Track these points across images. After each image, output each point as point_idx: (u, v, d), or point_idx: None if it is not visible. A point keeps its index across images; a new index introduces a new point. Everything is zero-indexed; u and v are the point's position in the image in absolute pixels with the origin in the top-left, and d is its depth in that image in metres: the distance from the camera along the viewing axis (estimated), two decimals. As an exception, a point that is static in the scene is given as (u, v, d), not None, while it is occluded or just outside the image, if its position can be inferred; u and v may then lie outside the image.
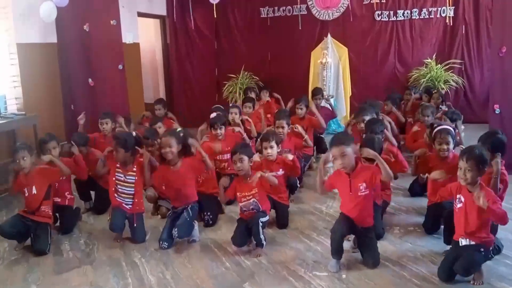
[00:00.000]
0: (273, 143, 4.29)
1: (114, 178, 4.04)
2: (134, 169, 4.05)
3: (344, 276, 3.33)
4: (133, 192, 4.04)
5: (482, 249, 3.13)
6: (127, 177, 4.03)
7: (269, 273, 3.41)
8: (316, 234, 4.10)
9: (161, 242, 3.85)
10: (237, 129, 5.29)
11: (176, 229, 3.80)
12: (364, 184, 3.32)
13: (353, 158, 3.32)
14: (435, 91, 7.21)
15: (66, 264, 3.67)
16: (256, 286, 3.24)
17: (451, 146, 4.02)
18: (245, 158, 3.76)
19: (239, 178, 3.90)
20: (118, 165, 4.06)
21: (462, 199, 3.15)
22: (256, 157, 4.22)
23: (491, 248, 3.21)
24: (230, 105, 5.95)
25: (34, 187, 3.92)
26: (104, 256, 3.78)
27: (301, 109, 5.95)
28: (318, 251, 3.77)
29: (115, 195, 4.02)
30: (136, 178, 4.04)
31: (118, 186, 4.03)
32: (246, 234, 3.75)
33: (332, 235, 3.41)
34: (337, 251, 3.39)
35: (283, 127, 4.97)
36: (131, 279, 3.39)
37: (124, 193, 4.03)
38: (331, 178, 3.59)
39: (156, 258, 3.71)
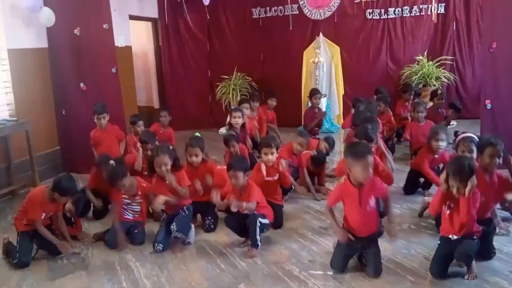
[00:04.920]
0: (274, 149, 4.33)
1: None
2: (138, 196, 4.14)
3: (339, 274, 3.33)
4: (139, 209, 4.18)
5: (474, 237, 3.19)
6: (133, 203, 4.16)
7: (264, 274, 3.42)
8: (311, 233, 4.11)
9: (156, 244, 3.84)
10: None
11: (174, 224, 3.81)
12: (373, 199, 3.22)
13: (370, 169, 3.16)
14: (439, 91, 7.25)
15: (60, 269, 3.65)
16: (251, 287, 3.24)
17: (475, 154, 3.87)
18: (240, 174, 3.70)
19: (235, 190, 3.82)
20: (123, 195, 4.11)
21: (452, 205, 3.17)
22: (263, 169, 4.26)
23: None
24: (233, 107, 5.92)
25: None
26: (99, 260, 3.77)
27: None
28: (313, 250, 3.78)
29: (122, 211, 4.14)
30: (142, 201, 4.16)
31: (124, 207, 4.14)
32: (241, 223, 3.76)
33: (333, 268, 3.40)
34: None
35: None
36: (126, 283, 3.39)
37: (130, 211, 4.18)
38: (336, 193, 3.42)
39: (151, 262, 3.70)
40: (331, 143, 5.78)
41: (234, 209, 3.65)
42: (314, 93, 7.58)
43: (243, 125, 6.18)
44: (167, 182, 3.86)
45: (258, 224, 3.67)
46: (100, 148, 5.60)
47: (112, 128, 5.82)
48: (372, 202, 3.22)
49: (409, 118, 6.72)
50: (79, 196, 4.35)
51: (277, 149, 4.36)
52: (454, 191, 3.05)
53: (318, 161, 5.22)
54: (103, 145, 5.63)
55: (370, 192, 3.20)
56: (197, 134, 4.28)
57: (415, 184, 4.98)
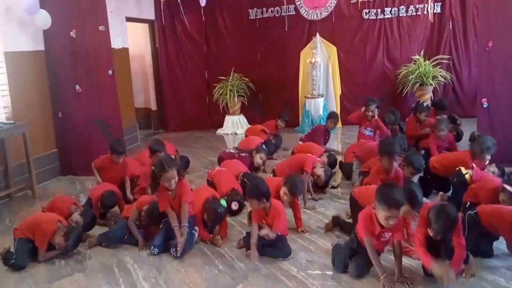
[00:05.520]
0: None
1: None
2: None
3: (337, 274, 3.34)
4: None
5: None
6: None
7: (262, 274, 3.42)
8: (309, 233, 4.11)
9: (152, 248, 3.83)
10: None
11: (173, 249, 3.76)
12: (390, 233, 3.19)
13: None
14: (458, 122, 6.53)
15: (58, 272, 3.64)
16: (249, 288, 3.25)
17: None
18: (254, 201, 3.66)
19: (261, 212, 3.75)
20: None
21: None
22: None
23: None
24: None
25: None
26: (97, 263, 3.76)
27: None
28: (311, 250, 3.78)
29: None
30: None
31: None
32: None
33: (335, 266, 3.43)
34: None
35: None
36: (124, 285, 3.38)
37: None
38: (363, 225, 3.23)
39: (148, 264, 3.69)
40: (331, 160, 5.61)
41: (262, 234, 3.61)
42: (330, 116, 7.01)
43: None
44: (170, 193, 3.84)
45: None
46: (104, 176, 5.22)
47: (124, 163, 5.30)
48: (388, 235, 3.19)
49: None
50: (86, 210, 4.34)
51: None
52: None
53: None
54: (109, 176, 5.19)
55: (389, 229, 3.15)
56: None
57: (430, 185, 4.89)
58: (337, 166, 5.85)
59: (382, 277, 3.11)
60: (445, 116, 6.18)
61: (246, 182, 4.93)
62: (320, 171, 4.88)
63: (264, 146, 6.00)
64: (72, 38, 6.12)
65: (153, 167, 3.86)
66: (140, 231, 4.06)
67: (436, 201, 3.03)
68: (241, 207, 4.67)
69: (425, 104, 6.87)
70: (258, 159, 5.62)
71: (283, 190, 4.07)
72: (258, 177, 4.63)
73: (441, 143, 5.50)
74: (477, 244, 3.45)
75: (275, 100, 9.28)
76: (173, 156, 4.15)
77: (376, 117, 6.43)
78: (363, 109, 6.47)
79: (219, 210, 3.97)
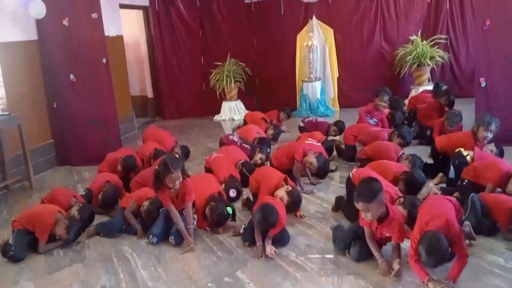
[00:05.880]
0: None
1: None
2: None
3: (336, 258, 3.35)
4: None
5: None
6: None
7: (261, 260, 3.41)
8: (307, 218, 4.10)
9: (151, 236, 3.81)
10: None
11: (172, 237, 3.75)
12: (387, 234, 3.16)
13: (378, 210, 3.03)
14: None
15: (57, 263, 3.64)
16: (248, 274, 3.24)
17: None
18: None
19: None
20: None
21: None
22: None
23: None
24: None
25: None
26: (95, 253, 3.76)
27: None
28: (309, 234, 3.78)
29: None
30: None
31: None
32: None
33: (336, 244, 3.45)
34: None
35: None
36: (122, 274, 3.38)
37: None
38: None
39: (147, 252, 3.69)
40: (326, 146, 5.51)
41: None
42: (336, 124, 6.69)
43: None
44: (172, 191, 3.79)
45: None
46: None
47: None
48: (386, 233, 3.16)
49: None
50: (85, 205, 4.30)
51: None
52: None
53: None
54: None
55: (385, 228, 3.12)
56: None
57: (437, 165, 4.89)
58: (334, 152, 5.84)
59: (380, 261, 3.11)
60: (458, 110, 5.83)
61: (244, 172, 4.96)
62: (311, 158, 4.77)
63: (268, 150, 5.91)
64: (65, 26, 6.04)
65: (156, 167, 3.79)
66: (138, 220, 4.05)
67: (429, 227, 2.91)
68: (239, 194, 4.66)
69: (444, 87, 6.76)
70: (258, 158, 5.58)
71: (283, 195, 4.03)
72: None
73: (447, 131, 5.39)
74: (479, 223, 3.48)
75: (272, 84, 9.23)
76: (176, 155, 4.04)
77: (387, 109, 6.42)
78: (376, 99, 6.42)
79: (223, 214, 3.90)
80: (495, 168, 3.92)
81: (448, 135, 5.09)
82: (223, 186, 4.56)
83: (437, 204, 3.19)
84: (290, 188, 4.08)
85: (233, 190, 4.57)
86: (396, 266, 3.07)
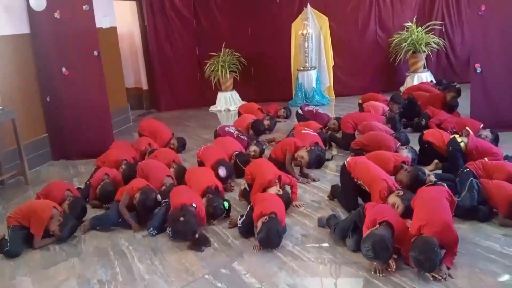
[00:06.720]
0: None
1: None
2: None
3: (331, 247, 3.35)
4: None
5: None
6: None
7: (258, 251, 3.40)
8: (303, 207, 4.10)
9: (151, 229, 3.80)
10: None
11: (169, 229, 3.72)
12: None
13: None
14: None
15: (53, 258, 3.63)
16: (245, 265, 3.24)
17: None
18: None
19: None
20: None
21: None
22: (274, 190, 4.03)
23: None
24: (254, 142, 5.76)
25: None
26: (91, 247, 3.75)
27: None
28: (306, 224, 3.78)
29: None
30: None
31: None
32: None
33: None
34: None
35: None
36: (119, 268, 3.37)
37: None
38: None
39: (144, 245, 3.68)
40: (322, 137, 5.49)
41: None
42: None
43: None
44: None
45: None
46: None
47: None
48: None
49: None
50: (75, 199, 4.27)
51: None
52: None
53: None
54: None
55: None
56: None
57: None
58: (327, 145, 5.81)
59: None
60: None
61: (238, 163, 4.93)
62: (303, 152, 4.69)
63: (263, 146, 5.83)
64: (57, 19, 5.97)
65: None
66: (134, 213, 4.03)
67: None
68: (230, 173, 4.67)
69: (457, 86, 6.77)
70: (252, 150, 5.53)
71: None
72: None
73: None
74: (474, 208, 3.49)
75: (267, 73, 9.18)
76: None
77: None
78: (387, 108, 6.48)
79: (219, 208, 3.90)
80: (504, 169, 3.77)
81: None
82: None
83: (434, 206, 3.10)
84: (281, 192, 4.02)
85: (222, 167, 4.55)
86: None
